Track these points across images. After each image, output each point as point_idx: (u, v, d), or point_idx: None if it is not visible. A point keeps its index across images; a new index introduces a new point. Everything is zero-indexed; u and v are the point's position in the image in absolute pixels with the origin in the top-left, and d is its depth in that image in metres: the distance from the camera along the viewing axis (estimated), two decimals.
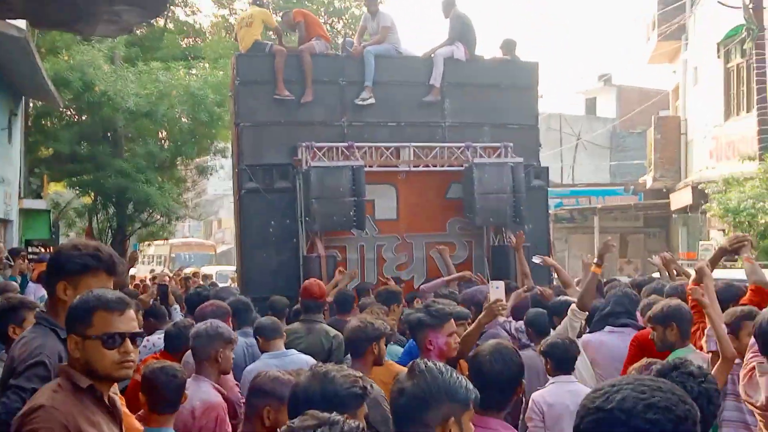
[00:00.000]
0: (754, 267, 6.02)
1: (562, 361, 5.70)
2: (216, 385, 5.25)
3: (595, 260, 6.85)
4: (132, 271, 14.51)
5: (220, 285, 15.03)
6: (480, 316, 5.85)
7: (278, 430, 2.47)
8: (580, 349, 6.02)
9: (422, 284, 10.91)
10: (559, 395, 5.43)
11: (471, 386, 2.99)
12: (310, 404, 3.11)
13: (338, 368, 3.38)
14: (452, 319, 5.65)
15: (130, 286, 15.33)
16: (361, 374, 3.38)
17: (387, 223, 12.76)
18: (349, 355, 5.98)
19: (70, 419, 3.14)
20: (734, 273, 8.97)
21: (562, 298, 7.70)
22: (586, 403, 2.13)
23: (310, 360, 5.99)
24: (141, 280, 18.45)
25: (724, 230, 20.01)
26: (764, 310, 4.85)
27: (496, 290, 5.91)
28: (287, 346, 6.52)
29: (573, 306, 6.55)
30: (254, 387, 4.03)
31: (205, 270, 33.27)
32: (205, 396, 5.04)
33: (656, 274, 10.52)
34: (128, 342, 3.35)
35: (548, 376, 5.84)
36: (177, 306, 9.10)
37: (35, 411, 3.12)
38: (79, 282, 3.68)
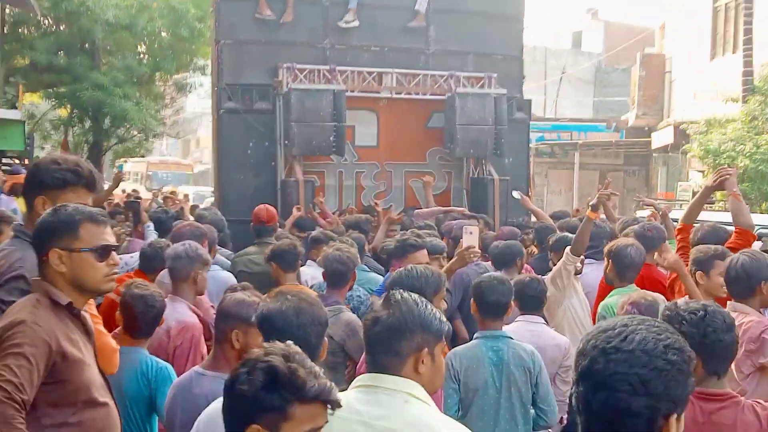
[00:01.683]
0: (740, 207, 5.93)
1: (526, 299, 5.73)
2: (192, 306, 5.27)
3: (592, 204, 6.77)
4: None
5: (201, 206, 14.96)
6: (451, 262, 5.91)
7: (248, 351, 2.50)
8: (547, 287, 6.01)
9: (417, 209, 10.92)
10: (519, 334, 5.48)
11: (444, 319, 3.02)
12: (288, 328, 3.20)
13: (311, 297, 3.49)
14: (418, 252, 5.71)
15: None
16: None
17: (367, 150, 12.74)
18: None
19: (51, 336, 3.14)
20: (721, 216, 8.94)
21: (559, 234, 7.69)
22: (598, 343, 2.08)
23: (230, 277, 6.71)
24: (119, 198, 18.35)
25: (703, 171, 20.14)
26: (737, 253, 4.89)
27: (469, 236, 5.87)
28: (240, 269, 7.21)
29: (567, 250, 6.56)
30: (220, 311, 4.04)
31: (182, 189, 33.22)
32: (181, 316, 5.06)
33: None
34: (114, 254, 3.39)
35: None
36: (151, 224, 9.05)
37: (17, 325, 3.10)
38: (58, 197, 3.65)
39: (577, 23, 44.02)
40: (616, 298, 5.61)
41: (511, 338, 5.09)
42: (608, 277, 6.07)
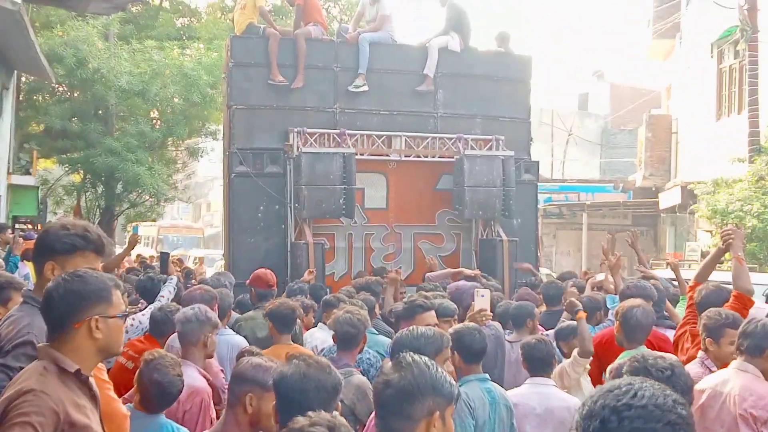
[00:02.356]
0: (741, 270, 5.88)
1: (534, 361, 5.68)
2: (201, 371, 5.23)
3: (580, 307, 6.67)
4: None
5: (207, 269, 14.97)
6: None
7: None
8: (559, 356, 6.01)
9: (429, 273, 10.87)
10: (526, 396, 5.42)
11: (454, 382, 2.99)
12: (303, 394, 3.19)
13: (322, 360, 3.46)
14: (426, 312, 5.68)
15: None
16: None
17: (376, 213, 12.77)
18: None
19: (59, 404, 3.06)
20: (727, 275, 8.90)
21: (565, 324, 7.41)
22: (607, 402, 2.05)
23: (243, 341, 6.70)
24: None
25: (711, 231, 20.06)
26: (751, 316, 4.86)
27: (481, 298, 5.86)
28: (245, 333, 7.24)
29: (575, 353, 6.43)
30: (236, 374, 4.01)
31: (193, 252, 33.25)
32: (191, 381, 5.00)
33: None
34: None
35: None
36: (174, 278, 9.03)
37: (24, 394, 3.03)
38: (66, 262, 3.63)
39: (584, 85, 44.34)
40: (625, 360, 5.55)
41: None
42: (618, 338, 6.01)
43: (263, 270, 8.34)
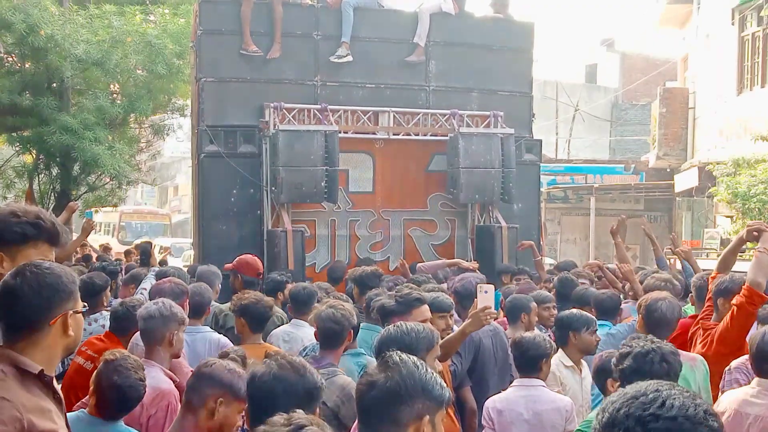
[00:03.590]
0: (760, 265, 5.89)
1: (523, 359, 5.72)
2: (167, 371, 5.22)
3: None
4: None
5: (173, 258, 14.94)
6: (464, 324, 5.85)
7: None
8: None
9: (419, 263, 10.89)
10: (512, 401, 5.45)
11: (445, 385, 2.99)
12: (272, 397, 3.19)
13: (297, 361, 3.48)
14: (422, 306, 5.68)
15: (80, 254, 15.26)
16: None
17: (361, 197, 12.76)
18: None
19: (22, 411, 3.03)
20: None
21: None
22: (631, 411, 2.02)
23: (223, 339, 6.61)
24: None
25: (731, 217, 20.16)
26: (760, 329, 4.86)
27: (484, 295, 5.84)
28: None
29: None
30: (207, 374, 4.00)
31: (159, 241, 33.18)
32: (155, 383, 4.99)
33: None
34: None
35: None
36: (156, 268, 9.04)
37: None
38: (17, 253, 3.61)
39: (592, 55, 44.35)
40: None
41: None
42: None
43: (250, 255, 8.54)
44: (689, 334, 6.18)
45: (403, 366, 2.92)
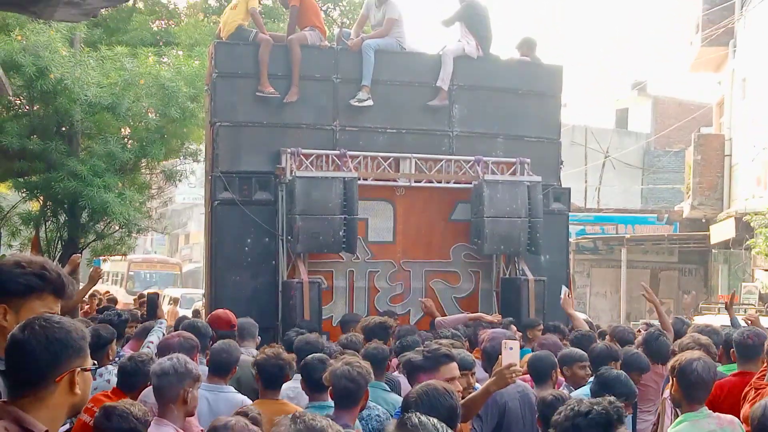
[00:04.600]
0: None
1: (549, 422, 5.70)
2: (181, 431, 5.20)
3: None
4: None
5: (184, 311, 14.95)
6: (488, 383, 5.77)
7: None
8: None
9: (439, 318, 10.78)
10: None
11: None
12: None
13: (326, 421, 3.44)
14: (451, 363, 5.62)
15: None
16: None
17: (381, 247, 12.76)
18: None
19: None
20: None
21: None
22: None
23: (246, 400, 6.52)
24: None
25: None
26: (761, 402, 4.78)
27: (509, 351, 5.78)
28: None
29: None
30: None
31: (169, 292, 33.19)
32: None
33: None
34: None
35: None
36: (164, 322, 9.08)
37: None
38: (22, 305, 3.61)
39: (623, 100, 44.38)
40: (686, 426, 5.47)
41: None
42: (675, 398, 5.87)
43: (221, 310, 8.93)
44: (743, 394, 6.09)
45: (422, 428, 2.90)
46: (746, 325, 8.40)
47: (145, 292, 18.96)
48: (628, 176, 38.14)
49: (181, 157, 26.30)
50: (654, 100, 41.71)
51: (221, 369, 6.72)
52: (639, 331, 11.15)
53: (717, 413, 5.37)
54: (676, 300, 29.60)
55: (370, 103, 12.69)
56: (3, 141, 22.27)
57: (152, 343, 7.46)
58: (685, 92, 38.76)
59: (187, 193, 46.99)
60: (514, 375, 5.62)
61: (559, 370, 7.40)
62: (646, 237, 30.48)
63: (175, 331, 8.24)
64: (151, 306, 9.52)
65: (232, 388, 6.85)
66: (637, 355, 7.58)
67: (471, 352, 7.48)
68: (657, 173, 38.08)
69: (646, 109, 41.49)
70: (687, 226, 30.13)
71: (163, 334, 7.76)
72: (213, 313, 8.90)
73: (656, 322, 10.83)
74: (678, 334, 8.73)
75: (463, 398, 5.34)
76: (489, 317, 10.47)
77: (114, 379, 6.66)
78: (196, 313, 21.03)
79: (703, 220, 28.22)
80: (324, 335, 10.13)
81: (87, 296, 14.07)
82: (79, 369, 3.21)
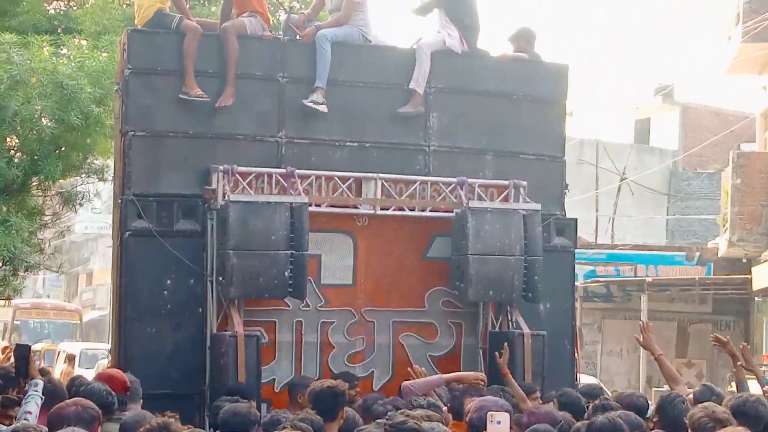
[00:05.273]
0: None
1: None
2: None
3: None
4: None
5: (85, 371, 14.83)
6: None
7: None
8: None
9: (406, 383, 10.76)
10: None
11: None
12: None
13: None
14: None
15: None
16: None
17: (338, 292, 12.74)
18: None
19: None
20: None
21: None
22: None
23: None
24: None
25: None
26: None
27: (496, 426, 5.83)
28: None
29: None
30: None
31: (65, 346, 32.95)
32: None
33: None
34: None
35: None
36: (40, 383, 8.99)
37: None
38: None
39: (644, 108, 44.65)
40: None
41: None
42: None
43: (112, 369, 9.13)
44: None
45: None
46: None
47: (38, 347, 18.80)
48: (651, 204, 38.42)
49: (83, 176, 26.18)
50: (683, 108, 42.04)
51: None
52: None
53: None
54: (710, 361, 29.73)
55: (324, 108, 12.66)
56: None
57: (30, 413, 7.38)
58: (722, 99, 39.17)
59: (90, 221, 46.80)
60: None
61: None
62: (673, 281, 30.64)
63: (69, 397, 8.19)
64: (20, 362, 9.39)
65: None
66: None
67: (450, 424, 7.51)
68: (686, 200, 38.39)
69: (673, 120, 41.81)
70: (723, 267, 30.35)
71: (42, 399, 7.71)
72: (102, 372, 8.80)
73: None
74: None
75: None
76: (470, 374, 10.42)
77: None
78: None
79: (744, 260, 28.43)
80: (264, 403, 10.11)
81: None
82: None
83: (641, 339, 10.07)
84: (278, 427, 6.86)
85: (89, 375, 18.38)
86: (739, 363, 10.13)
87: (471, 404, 8.12)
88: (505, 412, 6.40)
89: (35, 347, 19.62)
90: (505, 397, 9.04)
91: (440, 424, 6.63)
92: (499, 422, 5.86)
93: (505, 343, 11.13)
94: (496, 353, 10.87)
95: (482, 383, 10.26)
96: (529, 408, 9.37)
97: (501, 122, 13.36)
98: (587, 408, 9.49)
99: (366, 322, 12.74)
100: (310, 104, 12.56)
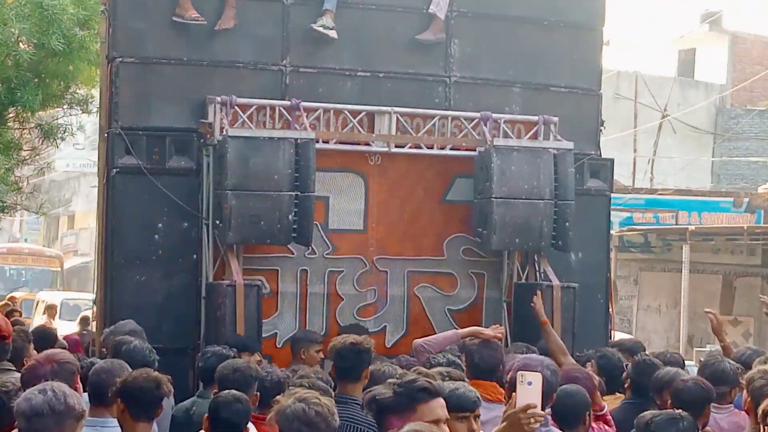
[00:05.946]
0: None
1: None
2: None
3: None
4: None
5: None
6: (497, 429, 5.76)
7: None
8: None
9: (418, 340, 10.72)
10: None
11: None
12: None
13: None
14: (433, 401, 5.63)
15: None
16: None
17: (348, 238, 12.76)
18: None
19: None
20: None
21: None
22: None
23: None
24: None
25: None
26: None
27: (527, 387, 5.77)
28: None
29: None
30: None
31: (44, 296, 33.08)
32: None
33: None
34: None
35: None
36: None
37: None
38: None
39: (688, 37, 44.45)
40: None
41: None
42: None
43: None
44: None
45: None
46: None
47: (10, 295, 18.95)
48: (694, 144, 38.34)
49: (65, 107, 26.23)
50: (731, 37, 41.83)
51: (103, 396, 6.73)
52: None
53: None
54: (759, 319, 29.73)
55: (334, 34, 12.63)
56: None
57: None
58: None
59: (72, 157, 46.78)
60: (532, 420, 5.61)
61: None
62: (718, 230, 30.60)
63: (37, 350, 8.24)
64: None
65: (115, 422, 6.85)
66: None
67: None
68: (734, 140, 38.30)
69: (721, 51, 41.63)
70: None
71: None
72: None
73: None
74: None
75: None
76: (489, 331, 10.42)
77: None
78: (84, 323, 21.10)
79: None
80: (265, 359, 10.16)
81: None
82: None
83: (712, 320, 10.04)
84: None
85: (70, 327, 18.51)
86: None
87: (513, 362, 8.12)
88: (538, 373, 6.37)
89: (13, 295, 19.71)
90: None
91: (464, 383, 6.61)
92: (530, 383, 5.81)
93: (538, 290, 11.10)
94: (535, 298, 10.85)
95: (501, 338, 10.25)
96: (568, 365, 9.40)
97: (530, 51, 13.32)
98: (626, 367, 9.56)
99: (378, 271, 12.75)
100: (319, 29, 12.52)
